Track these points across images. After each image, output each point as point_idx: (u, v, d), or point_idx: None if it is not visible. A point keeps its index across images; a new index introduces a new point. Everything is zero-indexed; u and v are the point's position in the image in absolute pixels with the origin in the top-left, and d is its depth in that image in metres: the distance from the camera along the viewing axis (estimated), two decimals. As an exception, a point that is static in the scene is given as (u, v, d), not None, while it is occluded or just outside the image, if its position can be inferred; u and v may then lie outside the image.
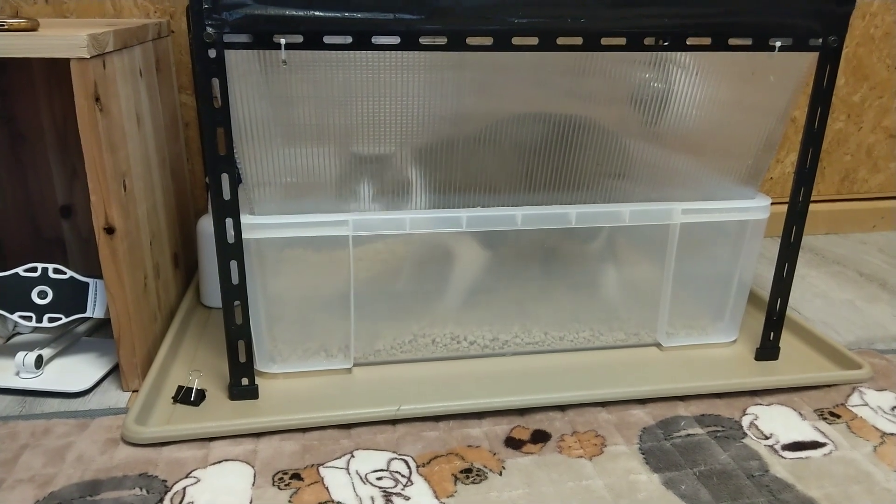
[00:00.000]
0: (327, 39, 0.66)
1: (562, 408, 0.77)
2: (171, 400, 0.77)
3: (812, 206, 0.83)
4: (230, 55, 0.65)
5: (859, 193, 1.40)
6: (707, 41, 0.73)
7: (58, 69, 0.99)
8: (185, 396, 0.77)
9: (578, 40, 0.70)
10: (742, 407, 0.78)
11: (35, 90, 1.00)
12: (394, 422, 0.75)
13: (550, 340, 0.87)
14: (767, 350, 0.87)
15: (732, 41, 0.73)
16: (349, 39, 0.66)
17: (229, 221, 0.71)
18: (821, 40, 0.74)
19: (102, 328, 0.92)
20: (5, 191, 1.05)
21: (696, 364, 0.86)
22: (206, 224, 0.96)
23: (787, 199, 0.82)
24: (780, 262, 0.84)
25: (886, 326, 0.99)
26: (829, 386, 0.82)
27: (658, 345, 0.89)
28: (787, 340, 0.91)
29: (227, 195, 0.70)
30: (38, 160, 1.04)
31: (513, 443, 0.72)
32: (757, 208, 0.84)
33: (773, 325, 0.86)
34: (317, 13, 0.64)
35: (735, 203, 0.84)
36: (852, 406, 0.79)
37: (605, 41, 0.70)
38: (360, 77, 0.72)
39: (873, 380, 0.84)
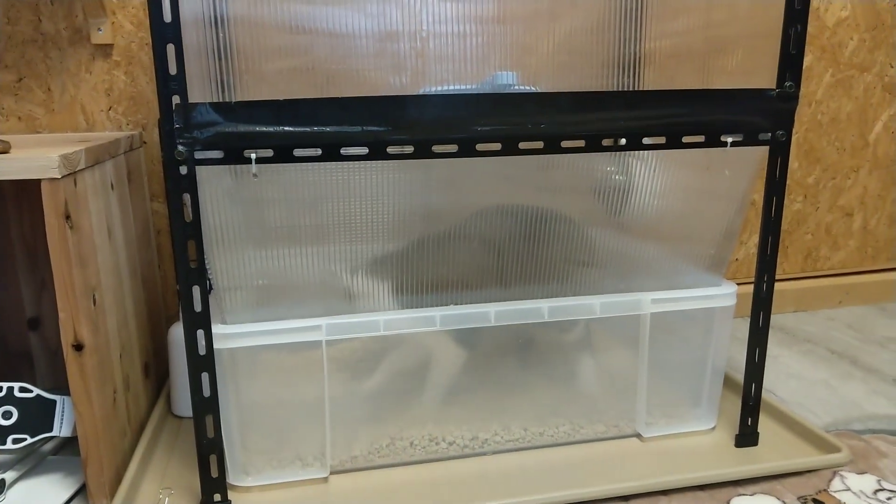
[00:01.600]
0: (297, 152, 0.68)
1: (545, 509, 0.76)
2: (140, 521, 0.74)
3: (779, 285, 0.85)
4: (201, 170, 0.67)
5: (823, 270, 1.44)
6: (662, 140, 0.76)
7: (28, 185, 0.99)
8: (155, 517, 0.73)
9: (539, 144, 0.73)
10: (725, 498, 0.77)
11: (4, 204, 1.00)
12: (373, 533, 0.73)
13: (530, 437, 0.86)
14: (746, 436, 0.87)
15: (686, 139, 0.77)
16: (318, 152, 0.68)
17: (200, 333, 0.71)
18: (769, 134, 0.78)
19: (69, 444, 0.89)
20: (-29, 305, 1.03)
21: (677, 455, 0.85)
22: (177, 332, 0.95)
23: (752, 280, 0.84)
24: (750, 347, 0.85)
25: (861, 405, 1.00)
26: (810, 471, 0.82)
27: (638, 435, 0.89)
28: (765, 424, 0.91)
29: (198, 307, 0.70)
30: (7, 273, 1.03)
31: (497, 550, 0.70)
32: (723, 295, 0.86)
33: (749, 410, 0.86)
34: (286, 128, 0.67)
35: (702, 291, 0.86)
36: (835, 491, 0.78)
37: (564, 143, 0.73)
38: (331, 180, 0.74)
39: (853, 462, 0.84)
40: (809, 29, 1.22)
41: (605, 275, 0.85)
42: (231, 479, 0.78)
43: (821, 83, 1.32)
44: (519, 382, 0.86)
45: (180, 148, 0.65)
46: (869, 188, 1.41)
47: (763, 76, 0.78)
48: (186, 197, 0.67)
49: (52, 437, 0.81)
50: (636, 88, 0.77)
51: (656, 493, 0.78)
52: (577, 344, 0.86)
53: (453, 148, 0.71)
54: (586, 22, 0.75)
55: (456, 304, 0.81)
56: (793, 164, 1.35)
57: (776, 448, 0.86)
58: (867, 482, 0.80)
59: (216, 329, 0.72)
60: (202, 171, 0.67)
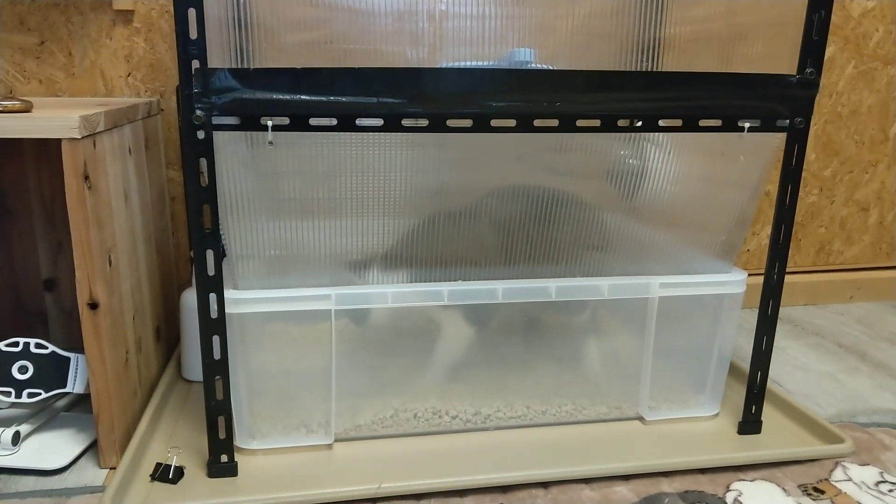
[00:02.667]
0: (313, 121, 0.68)
1: (545, 485, 0.77)
2: (149, 478, 0.75)
3: (789, 278, 0.85)
4: (218, 135, 0.68)
5: (835, 265, 1.43)
6: (678, 123, 0.76)
7: (47, 146, 1.01)
8: (164, 474, 0.75)
9: (554, 122, 0.73)
10: (726, 483, 0.78)
11: (24, 166, 1.02)
12: (375, 500, 0.74)
13: (533, 415, 0.87)
14: (750, 424, 0.87)
15: (703, 122, 0.76)
16: (334, 122, 0.69)
17: (213, 297, 0.72)
18: (787, 121, 0.78)
19: (81, 403, 0.90)
20: (-10, 264, 1.05)
21: (678, 438, 0.85)
22: (190, 298, 0.97)
23: (763, 271, 0.84)
24: (758, 335, 0.85)
25: (867, 399, 1.00)
26: (812, 461, 0.82)
27: (640, 418, 0.89)
28: (769, 414, 0.91)
29: (211, 271, 0.71)
30: (24, 234, 1.05)
31: (495, 522, 0.71)
32: (733, 282, 0.86)
33: (754, 398, 0.87)
34: (303, 97, 0.67)
35: (712, 277, 0.86)
36: (836, 481, 0.79)
37: (580, 123, 0.73)
38: (345, 154, 0.74)
39: (856, 454, 0.84)
40: (834, 18, 1.20)
41: (614, 258, 0.85)
42: (238, 441, 0.80)
43: (843, 74, 1.31)
44: (523, 361, 0.86)
45: (198, 112, 0.65)
46: (887, 183, 1.39)
47: (784, 64, 0.77)
48: (203, 162, 0.67)
49: (66, 394, 0.83)
50: (655, 65, 0.76)
51: (657, 474, 0.79)
52: (581, 327, 0.86)
53: (468, 123, 0.71)
54: (606, 4, 0.75)
55: (464, 280, 0.81)
56: (810, 155, 1.34)
57: (779, 436, 0.87)
58: (869, 474, 0.80)
59: (228, 294, 0.73)
60: (219, 138, 0.68)
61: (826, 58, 1.28)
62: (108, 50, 1.04)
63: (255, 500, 0.71)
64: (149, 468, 0.76)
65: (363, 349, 0.82)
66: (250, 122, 0.67)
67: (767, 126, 0.77)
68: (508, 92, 0.71)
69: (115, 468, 0.78)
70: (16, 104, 0.70)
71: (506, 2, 0.72)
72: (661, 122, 0.76)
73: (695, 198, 0.85)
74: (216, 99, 0.65)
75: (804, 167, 0.80)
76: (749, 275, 0.88)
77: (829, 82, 1.31)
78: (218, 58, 0.66)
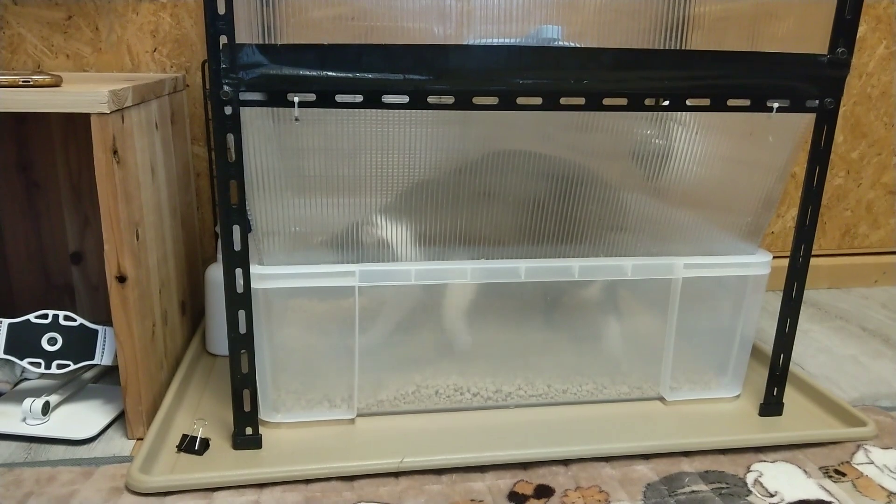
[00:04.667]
0: (339, 98, 0.68)
1: (565, 462, 0.77)
2: (176, 449, 0.77)
3: (814, 261, 0.84)
4: (245, 111, 0.68)
5: (860, 248, 1.41)
6: (706, 102, 0.75)
7: (74, 121, 1.02)
8: (190, 445, 0.77)
9: (581, 100, 0.72)
10: (746, 463, 0.78)
11: (52, 140, 1.03)
12: (396, 474, 0.75)
13: (553, 393, 0.88)
14: (771, 406, 0.87)
15: (731, 102, 0.75)
16: (360, 98, 0.69)
17: (239, 271, 0.73)
18: (817, 102, 0.76)
19: (109, 374, 0.92)
20: (18, 238, 1.07)
21: (699, 419, 0.86)
22: (215, 272, 0.98)
23: (788, 254, 0.83)
24: (781, 317, 0.84)
25: (891, 383, 0.99)
26: (833, 443, 0.82)
27: (661, 399, 0.89)
28: (790, 396, 0.90)
29: (237, 246, 0.72)
30: (52, 208, 1.06)
31: (516, 497, 0.72)
32: (758, 264, 0.85)
33: (776, 380, 0.86)
34: (329, 73, 0.67)
35: (736, 258, 0.85)
36: (858, 464, 0.78)
37: (606, 101, 0.73)
38: (369, 131, 0.74)
39: (878, 437, 0.83)
40: (866, -3, 1.18)
41: (637, 238, 0.85)
42: (262, 415, 0.81)
43: (873, 55, 1.28)
44: (544, 340, 0.87)
45: (226, 88, 0.66)
46: (916, 166, 1.37)
47: (814, 44, 0.76)
48: (230, 137, 0.68)
49: (94, 366, 0.84)
50: (683, 42, 0.75)
51: (677, 454, 0.79)
52: (603, 306, 0.86)
53: (494, 100, 0.71)
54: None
55: (487, 258, 0.82)
56: (838, 137, 1.32)
57: (800, 419, 0.86)
58: (892, 457, 0.80)
59: (254, 269, 0.74)
60: (246, 114, 0.68)
61: (857, 37, 1.26)
62: (134, 25, 1.05)
63: (280, 471, 0.73)
64: (175, 439, 0.78)
65: (387, 325, 0.82)
66: (277, 98, 0.67)
67: (796, 106, 0.76)
68: (535, 69, 0.70)
69: (142, 439, 0.79)
70: (45, 78, 0.71)
71: None
72: (689, 102, 0.75)
73: (721, 179, 0.84)
74: (244, 74, 0.65)
75: (831, 149, 0.79)
76: (774, 257, 0.87)
77: (860, 63, 1.28)
78: (245, 33, 0.66)
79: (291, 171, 0.75)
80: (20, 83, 0.69)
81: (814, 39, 0.76)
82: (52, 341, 0.82)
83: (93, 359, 0.83)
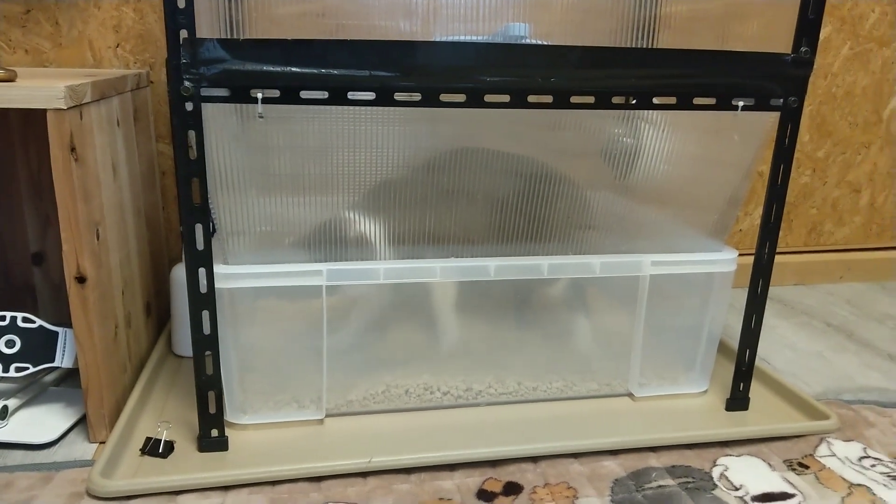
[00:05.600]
0: (304, 94, 0.68)
1: (534, 459, 0.77)
2: (139, 452, 0.75)
3: (780, 258, 0.85)
4: (207, 108, 0.67)
5: (826, 245, 1.43)
6: (673, 100, 0.76)
7: (34, 118, 1.00)
8: (154, 448, 0.75)
9: (549, 98, 0.72)
10: (712, 458, 0.79)
11: (10, 138, 1.00)
12: (365, 474, 0.74)
13: (524, 391, 0.88)
14: (737, 401, 0.88)
15: (697, 101, 0.76)
16: (325, 95, 0.68)
17: (202, 271, 0.71)
18: (781, 100, 0.77)
19: (70, 377, 0.90)
20: (-24, 237, 1.04)
21: (667, 414, 0.86)
22: (180, 273, 0.96)
23: (754, 251, 0.84)
24: (747, 314, 0.85)
25: (853, 377, 1.01)
26: (797, 437, 0.83)
27: (630, 395, 0.90)
28: (756, 391, 0.92)
29: (200, 245, 0.70)
30: (12, 207, 1.03)
31: (485, 495, 0.71)
32: (724, 261, 0.86)
33: (742, 376, 0.87)
34: (294, 69, 0.66)
35: (703, 256, 0.86)
36: (820, 457, 0.80)
37: (574, 99, 0.73)
38: (336, 129, 0.73)
39: (840, 430, 0.85)
40: (830, -2, 1.19)
41: (605, 236, 0.85)
42: (228, 416, 0.80)
43: (838, 55, 1.30)
44: (514, 338, 0.87)
45: (187, 84, 0.64)
46: (879, 165, 1.40)
47: (780, 44, 0.77)
48: (192, 134, 0.66)
49: (54, 368, 0.83)
50: (650, 41, 0.76)
51: (645, 449, 0.80)
52: (572, 304, 0.86)
53: (461, 97, 0.70)
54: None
55: (457, 257, 0.81)
56: (803, 136, 1.34)
57: (766, 413, 0.87)
58: (853, 449, 0.81)
59: (217, 269, 0.73)
60: (208, 110, 0.67)
61: (822, 38, 1.28)
62: (96, 20, 1.02)
63: (246, 473, 0.72)
64: (138, 442, 0.76)
65: (354, 324, 0.82)
66: (240, 93, 0.66)
67: (761, 105, 0.77)
68: (502, 66, 0.70)
69: (104, 442, 0.78)
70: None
71: None
72: (656, 100, 0.75)
73: (688, 177, 0.85)
74: (205, 70, 0.64)
75: (797, 148, 0.80)
76: (741, 255, 0.88)
77: (825, 63, 1.30)
78: (207, 28, 0.65)
79: (257, 169, 0.74)
80: (-28, 78, 0.67)
81: (780, 39, 0.77)
82: (10, 344, 0.80)
83: (53, 361, 0.81)
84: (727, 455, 0.79)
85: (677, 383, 0.91)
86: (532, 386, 0.88)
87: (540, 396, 0.88)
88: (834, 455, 0.80)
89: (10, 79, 0.70)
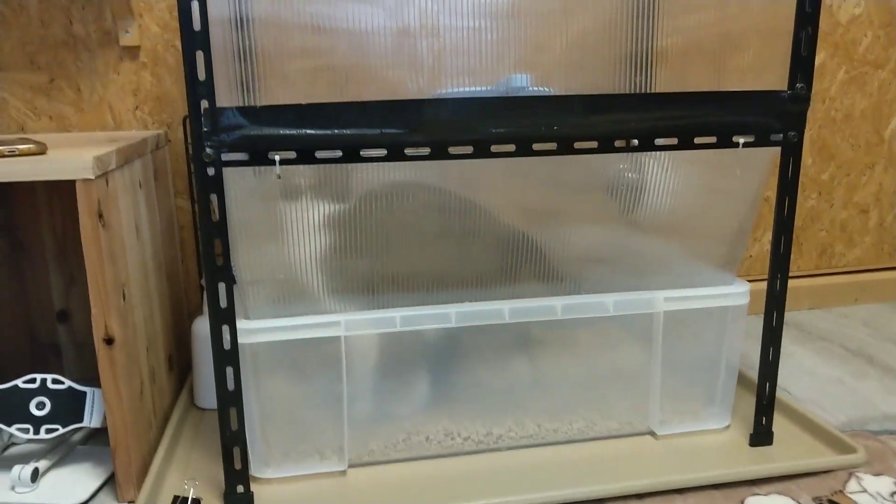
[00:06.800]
0: (319, 154, 0.70)
1: None
2: (167, 509, 0.76)
3: (793, 282, 0.86)
4: (227, 170, 0.69)
5: (838, 267, 1.44)
6: (674, 141, 0.78)
7: (59, 181, 1.03)
8: (181, 506, 0.76)
9: (553, 145, 0.74)
10: (740, 498, 0.78)
11: (37, 202, 1.04)
12: (391, 524, 0.75)
13: (544, 433, 0.88)
14: (761, 435, 0.88)
15: (698, 140, 0.78)
16: (339, 153, 0.70)
17: (226, 328, 0.73)
18: (781, 136, 0.79)
19: (97, 435, 0.92)
20: (3, 299, 1.07)
21: (691, 453, 0.86)
22: (201, 326, 0.98)
23: (766, 277, 0.84)
24: (764, 346, 0.86)
25: (877, 405, 1.00)
26: (825, 472, 0.83)
27: (652, 433, 0.90)
28: (780, 423, 0.91)
29: (223, 303, 0.72)
30: (37, 268, 1.06)
31: (511, 541, 0.72)
32: (736, 294, 0.87)
33: (763, 410, 0.87)
34: (308, 131, 0.69)
35: (715, 289, 0.87)
36: (851, 493, 0.79)
37: (578, 145, 0.75)
38: (350, 180, 0.75)
39: (869, 464, 0.84)
40: (822, 26, 1.21)
41: (616, 271, 0.86)
42: (252, 470, 0.81)
43: (834, 80, 1.32)
44: (531, 377, 0.87)
45: (208, 150, 0.67)
46: (885, 185, 1.41)
47: (775, 73, 0.78)
48: (213, 198, 0.69)
49: (82, 428, 0.84)
50: (649, 86, 0.78)
51: (671, 491, 0.79)
52: (587, 341, 0.87)
53: (469, 149, 0.73)
54: (599, 19, 0.76)
55: (470, 300, 0.83)
56: (806, 160, 1.35)
57: (791, 447, 0.87)
58: (884, 484, 0.80)
59: (240, 324, 0.75)
60: (228, 171, 0.69)
61: (817, 64, 1.30)
62: (115, 84, 1.06)
63: (273, 527, 0.72)
64: (166, 501, 0.78)
65: (373, 373, 0.83)
66: (258, 157, 0.69)
67: (762, 141, 0.79)
68: (507, 118, 0.72)
69: (133, 502, 0.79)
70: (31, 147, 0.72)
71: (501, 18, 0.73)
72: (658, 141, 0.77)
73: (694, 210, 0.87)
74: (225, 136, 0.67)
75: (801, 172, 0.81)
76: (753, 280, 0.89)
77: (821, 88, 1.32)
78: (225, 92, 0.67)
79: (273, 221, 0.76)
80: (6, 154, 0.70)
81: (775, 70, 0.78)
82: (40, 406, 0.82)
83: (81, 421, 0.82)
84: (755, 494, 0.79)
85: (699, 419, 0.91)
86: (552, 428, 0.88)
87: (561, 438, 0.88)
88: (865, 491, 0.79)
89: (42, 152, 0.73)
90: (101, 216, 0.73)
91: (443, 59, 0.74)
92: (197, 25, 0.64)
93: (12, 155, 0.71)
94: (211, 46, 0.65)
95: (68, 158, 0.70)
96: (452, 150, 0.72)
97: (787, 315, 1.32)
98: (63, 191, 1.04)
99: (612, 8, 0.76)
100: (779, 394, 0.89)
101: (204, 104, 0.66)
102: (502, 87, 0.76)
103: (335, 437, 0.82)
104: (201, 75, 0.65)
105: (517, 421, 0.87)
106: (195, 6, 0.64)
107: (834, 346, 1.22)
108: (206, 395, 0.99)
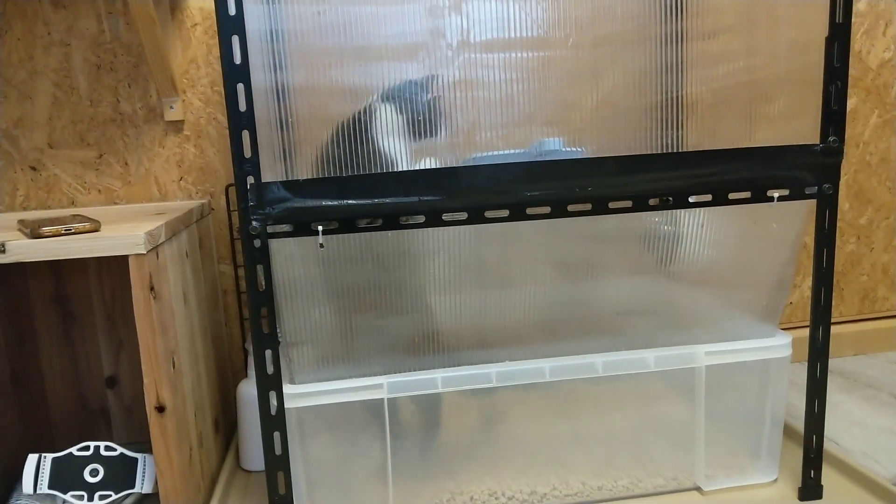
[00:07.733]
0: (359, 223, 0.73)
1: (607, 564, 0.76)
2: (216, 576, 0.77)
3: (837, 328, 0.85)
4: (272, 241, 0.72)
5: (881, 312, 1.41)
6: (708, 197, 0.79)
7: (109, 251, 1.07)
8: (230, 571, 0.77)
9: (587, 206, 0.76)
10: (791, 554, 0.77)
11: (87, 273, 1.08)
12: (438, 589, 0.74)
13: (589, 491, 0.87)
14: (810, 489, 0.86)
15: (732, 195, 0.79)
16: (379, 222, 0.73)
17: (272, 394, 0.75)
18: (816, 188, 0.80)
19: (146, 500, 0.93)
20: (55, 368, 1.10)
21: (739, 508, 0.85)
22: (246, 390, 1.00)
23: (808, 324, 0.83)
24: (809, 398, 0.85)
25: (929, 454, 0.98)
26: (878, 525, 0.81)
27: (698, 488, 0.89)
28: (829, 476, 0.89)
29: (270, 370, 0.74)
30: (87, 336, 1.10)
31: None
32: (778, 346, 0.86)
33: (811, 463, 0.86)
34: (350, 202, 0.71)
35: (756, 342, 0.86)
36: (906, 546, 0.77)
37: (612, 205, 0.76)
38: (393, 245, 0.78)
39: (923, 516, 0.82)
40: (852, 72, 1.22)
41: (657, 327, 0.86)
42: (300, 533, 0.81)
43: (867, 124, 1.32)
44: (574, 433, 0.87)
45: (254, 223, 0.70)
46: (925, 227, 1.39)
47: (806, 121, 0.79)
48: (260, 269, 0.72)
49: (134, 493, 0.86)
50: (680, 143, 0.79)
51: (719, 548, 0.78)
52: (630, 396, 0.87)
53: (504, 213, 0.75)
54: (627, 76, 0.78)
55: (510, 359, 0.83)
56: (843, 205, 1.35)
57: (842, 501, 0.85)
58: (939, 536, 0.78)
59: (286, 389, 0.76)
60: (273, 242, 0.72)
61: (849, 109, 1.30)
62: (161, 157, 1.11)
63: None
64: (216, 565, 0.78)
65: (416, 433, 0.84)
66: (302, 228, 0.72)
67: (796, 194, 0.79)
68: (541, 181, 0.74)
69: (183, 566, 0.80)
70: (86, 225, 0.76)
71: (531, 78, 0.75)
72: (691, 199, 0.78)
73: (731, 262, 0.87)
74: (270, 210, 0.70)
75: (839, 217, 0.81)
76: (794, 328, 0.88)
77: (855, 133, 1.32)
78: (267, 162, 0.70)
79: (316, 285, 0.78)
80: (62, 232, 0.74)
81: (806, 118, 0.79)
82: (94, 473, 0.84)
83: (133, 487, 0.84)
84: (806, 549, 0.77)
85: (745, 473, 0.89)
86: (597, 485, 0.87)
87: (606, 496, 0.87)
88: (919, 544, 0.77)
89: (96, 229, 0.76)
90: (152, 288, 0.76)
91: (477, 116, 0.76)
92: (243, 106, 0.68)
93: (69, 233, 0.74)
94: (257, 130, 0.68)
95: (121, 235, 0.74)
96: (488, 213, 0.74)
97: (832, 363, 1.30)
98: (112, 261, 1.08)
99: (639, 65, 0.78)
100: (827, 445, 0.88)
101: (250, 180, 0.69)
102: (535, 150, 0.78)
103: (380, 498, 0.83)
104: (247, 153, 0.68)
105: (561, 479, 0.87)
106: (241, 88, 0.68)
107: (882, 394, 1.19)
108: (252, 456, 1.00)
